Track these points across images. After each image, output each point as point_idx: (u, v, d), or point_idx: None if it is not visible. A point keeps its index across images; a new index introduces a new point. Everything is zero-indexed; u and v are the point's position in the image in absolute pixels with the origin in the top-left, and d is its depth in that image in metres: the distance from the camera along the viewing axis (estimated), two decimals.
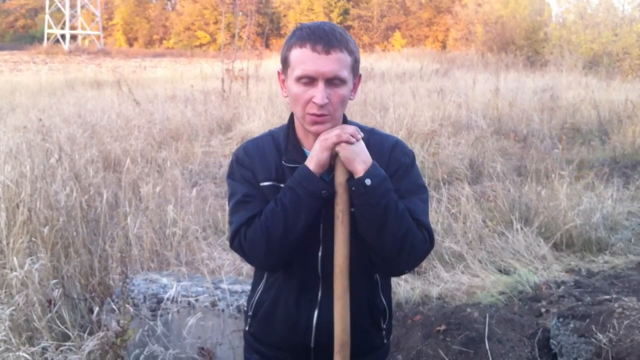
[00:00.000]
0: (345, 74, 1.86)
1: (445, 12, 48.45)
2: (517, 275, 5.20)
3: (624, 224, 6.53)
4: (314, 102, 1.84)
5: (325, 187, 1.89)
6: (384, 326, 2.18)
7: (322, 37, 1.83)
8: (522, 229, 5.93)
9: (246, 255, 1.98)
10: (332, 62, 1.82)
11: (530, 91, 15.50)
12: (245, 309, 2.24)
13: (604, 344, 3.36)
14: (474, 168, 8.33)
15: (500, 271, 5.38)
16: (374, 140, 2.01)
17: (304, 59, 1.83)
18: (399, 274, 2.11)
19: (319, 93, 1.82)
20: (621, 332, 3.37)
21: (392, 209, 1.86)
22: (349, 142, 1.86)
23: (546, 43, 29.87)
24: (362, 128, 2.00)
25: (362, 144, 1.90)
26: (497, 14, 34.64)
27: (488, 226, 6.04)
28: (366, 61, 24.07)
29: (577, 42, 26.55)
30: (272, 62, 24.68)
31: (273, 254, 1.92)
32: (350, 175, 1.88)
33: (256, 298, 2.14)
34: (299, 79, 1.85)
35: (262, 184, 1.98)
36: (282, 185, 1.95)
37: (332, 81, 1.84)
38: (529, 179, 7.10)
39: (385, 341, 2.21)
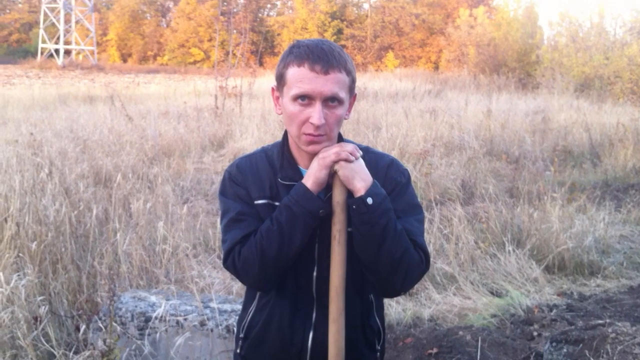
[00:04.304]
0: (343, 94, 1.83)
1: (438, 34, 48.74)
2: (509, 297, 5.16)
3: (616, 247, 6.53)
4: (310, 123, 1.80)
5: (323, 206, 1.85)
6: (378, 347, 2.14)
7: (320, 56, 1.79)
8: (514, 250, 5.91)
9: (239, 274, 1.93)
10: (331, 83, 1.78)
11: (522, 113, 15.55)
12: (236, 330, 2.18)
13: None
14: (466, 189, 8.32)
15: (492, 293, 5.35)
16: (370, 158, 1.97)
17: (302, 77, 1.79)
18: (394, 294, 2.04)
19: (316, 113, 1.79)
20: (615, 358, 3.33)
21: (392, 229, 1.83)
22: (348, 160, 1.83)
23: (538, 65, 30.10)
24: (357, 146, 1.96)
25: (361, 162, 1.87)
26: (489, 36, 34.94)
27: (480, 247, 6.02)
28: (359, 81, 24.12)
29: (569, 65, 26.74)
30: (266, 80, 24.79)
31: (267, 273, 1.87)
32: (349, 194, 1.85)
33: (248, 319, 2.08)
34: (295, 98, 1.81)
35: (256, 202, 1.94)
36: (276, 203, 1.91)
37: (330, 101, 1.80)
38: (521, 200, 7.09)
39: None
